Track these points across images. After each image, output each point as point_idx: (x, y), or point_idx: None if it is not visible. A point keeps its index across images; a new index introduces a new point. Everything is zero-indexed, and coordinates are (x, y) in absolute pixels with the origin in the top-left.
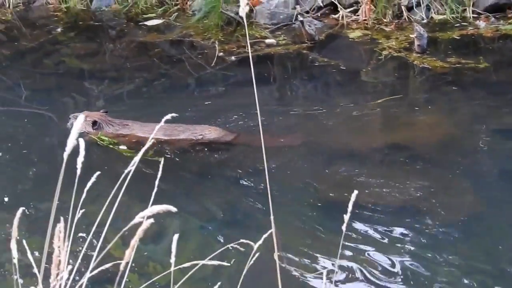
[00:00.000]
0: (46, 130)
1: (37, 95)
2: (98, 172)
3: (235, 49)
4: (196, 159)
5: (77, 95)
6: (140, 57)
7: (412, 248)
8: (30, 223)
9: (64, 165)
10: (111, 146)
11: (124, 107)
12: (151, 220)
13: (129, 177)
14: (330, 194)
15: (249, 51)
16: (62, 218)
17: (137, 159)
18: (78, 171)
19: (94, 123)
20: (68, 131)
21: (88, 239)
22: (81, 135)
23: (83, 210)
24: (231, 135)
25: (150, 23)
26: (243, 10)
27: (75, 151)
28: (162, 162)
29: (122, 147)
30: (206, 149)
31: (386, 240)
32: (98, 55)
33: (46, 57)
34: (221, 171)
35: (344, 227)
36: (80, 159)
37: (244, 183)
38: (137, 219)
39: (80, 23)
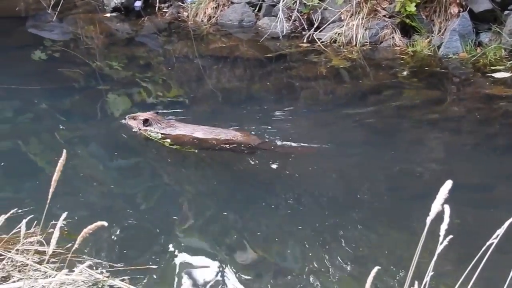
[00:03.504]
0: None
1: (371, 138)
2: None
3: None
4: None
5: (416, 143)
6: (483, 110)
7: None
8: None
9: (425, 231)
10: (158, 140)
11: (461, 161)
12: None
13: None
14: None
15: None
16: None
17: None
18: (441, 241)
19: (145, 121)
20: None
21: None
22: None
23: None
24: (258, 140)
25: (497, 75)
26: None
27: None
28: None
29: (167, 141)
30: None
31: None
32: (440, 103)
33: (387, 100)
34: None
35: None
36: (443, 226)
37: None
38: None
39: (426, 68)
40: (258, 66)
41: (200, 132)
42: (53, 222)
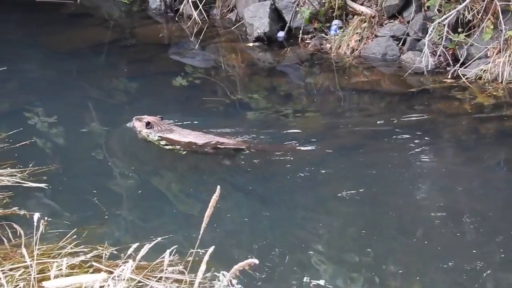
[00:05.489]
0: None
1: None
2: None
3: None
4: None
5: None
6: None
7: None
8: None
9: None
10: (154, 142)
11: None
12: None
13: None
14: None
15: None
16: None
17: None
18: None
19: (148, 123)
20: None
21: None
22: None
23: None
24: (244, 144)
25: None
26: None
27: None
28: None
29: (162, 142)
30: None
31: None
32: None
33: None
34: None
35: None
36: None
37: None
38: None
39: None
40: (401, 101)
41: (192, 136)
42: (191, 250)
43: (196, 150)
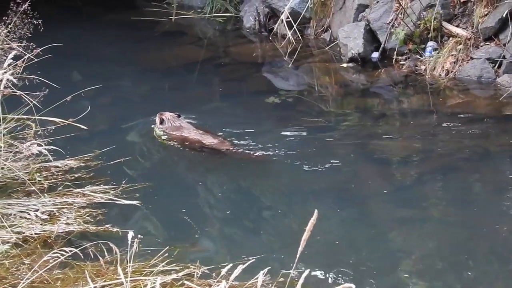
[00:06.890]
0: None
1: None
2: None
3: None
4: None
5: None
6: None
7: None
8: None
9: None
10: (156, 137)
11: None
12: None
13: None
14: None
15: None
16: None
17: None
18: None
19: (161, 119)
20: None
21: None
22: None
23: None
24: (229, 147)
25: None
26: None
27: None
28: None
29: (163, 138)
30: None
31: None
32: None
33: None
34: None
35: None
36: None
37: None
38: None
39: None
40: (496, 124)
41: (191, 135)
42: (284, 271)
43: (188, 147)
